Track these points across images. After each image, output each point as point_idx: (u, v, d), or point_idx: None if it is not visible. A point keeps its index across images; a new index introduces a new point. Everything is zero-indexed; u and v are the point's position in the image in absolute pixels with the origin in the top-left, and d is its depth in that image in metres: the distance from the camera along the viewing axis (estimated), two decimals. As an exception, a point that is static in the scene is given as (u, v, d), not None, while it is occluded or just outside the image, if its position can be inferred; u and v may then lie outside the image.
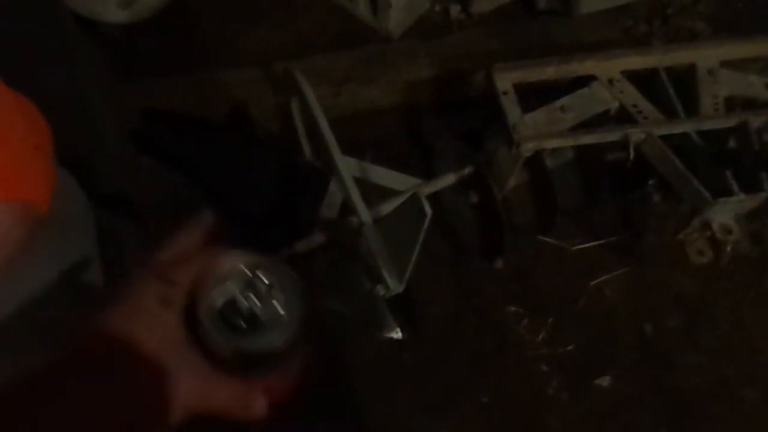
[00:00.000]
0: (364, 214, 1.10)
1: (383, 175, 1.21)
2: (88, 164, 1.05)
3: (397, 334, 1.33)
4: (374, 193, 1.24)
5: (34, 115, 0.87)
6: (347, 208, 1.16)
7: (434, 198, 1.20)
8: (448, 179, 1.22)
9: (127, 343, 0.36)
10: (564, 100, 1.33)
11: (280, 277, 0.39)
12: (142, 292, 0.38)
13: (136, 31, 1.59)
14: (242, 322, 0.38)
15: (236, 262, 0.39)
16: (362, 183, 1.16)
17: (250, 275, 0.39)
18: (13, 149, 0.71)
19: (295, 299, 0.39)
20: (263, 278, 0.39)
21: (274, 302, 0.38)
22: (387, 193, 1.21)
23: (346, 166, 1.13)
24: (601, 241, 1.50)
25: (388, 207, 1.15)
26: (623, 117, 1.34)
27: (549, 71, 1.36)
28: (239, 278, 0.38)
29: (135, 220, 1.17)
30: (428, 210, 0.90)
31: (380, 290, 1.11)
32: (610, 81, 1.36)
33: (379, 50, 1.63)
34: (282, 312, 0.38)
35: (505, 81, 1.31)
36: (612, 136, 1.26)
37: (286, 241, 1.18)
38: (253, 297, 0.38)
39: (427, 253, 1.11)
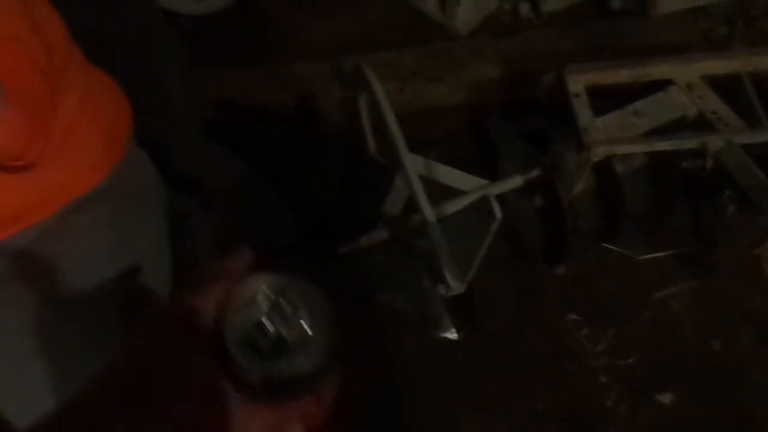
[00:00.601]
0: (429, 212, 1.09)
1: (448, 174, 1.20)
2: (164, 146, 1.09)
3: (453, 335, 1.33)
4: (438, 192, 1.23)
5: (120, 98, 0.90)
6: (411, 205, 1.16)
7: (498, 199, 1.18)
8: (515, 181, 1.20)
9: (156, 379, 0.35)
10: (638, 105, 1.28)
11: (307, 298, 0.38)
12: (168, 320, 0.37)
13: (210, 23, 1.63)
14: (269, 347, 0.36)
15: (260, 285, 0.37)
16: (427, 181, 1.15)
17: (275, 297, 0.37)
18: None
19: (323, 320, 0.37)
20: (289, 300, 0.37)
21: (302, 323, 0.37)
22: (451, 192, 1.20)
23: (412, 163, 1.13)
24: (670, 252, 1.45)
25: (452, 206, 1.14)
26: (701, 124, 1.28)
27: (623, 74, 1.31)
28: (264, 301, 0.37)
29: (204, 204, 1.20)
30: (498, 212, 0.89)
31: (441, 290, 1.11)
32: (689, 86, 1.30)
33: (446, 47, 1.62)
34: (310, 333, 0.37)
35: (577, 83, 1.27)
36: (689, 143, 1.21)
37: (349, 234, 1.18)
38: (279, 320, 0.37)
39: (489, 255, 1.09)
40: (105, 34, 0.93)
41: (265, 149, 1.36)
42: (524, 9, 1.70)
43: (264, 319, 0.37)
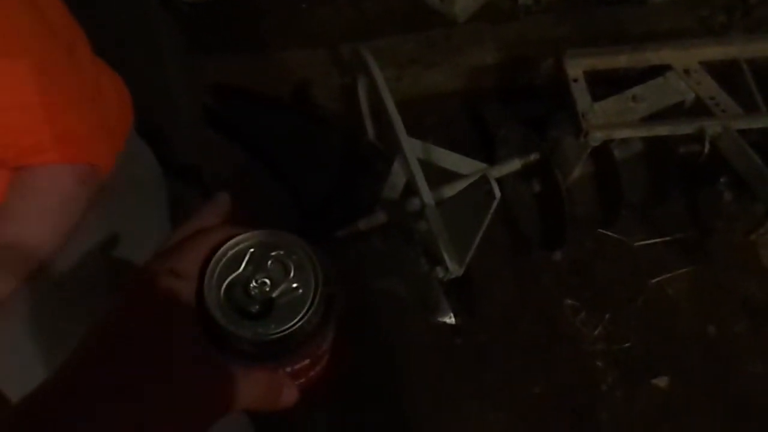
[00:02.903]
0: (427, 195, 1.09)
1: (447, 158, 1.20)
2: (164, 136, 1.08)
3: (450, 319, 1.33)
4: (437, 176, 1.23)
5: (122, 89, 0.90)
6: (410, 189, 1.16)
7: (496, 184, 1.19)
8: (514, 164, 1.20)
9: (134, 347, 0.32)
10: (636, 90, 1.29)
11: (293, 252, 0.35)
12: (144, 287, 0.33)
13: (209, 9, 1.62)
14: (256, 307, 0.33)
15: (243, 242, 0.34)
16: (425, 165, 1.15)
17: (259, 254, 0.34)
18: (82, 117, 0.75)
19: (312, 275, 0.34)
20: (274, 255, 0.34)
21: (289, 280, 0.34)
22: (450, 176, 1.20)
23: (411, 147, 1.13)
24: (666, 238, 1.46)
25: (451, 190, 1.15)
26: (699, 109, 1.29)
27: (622, 59, 1.31)
28: (247, 259, 0.34)
29: (203, 191, 1.20)
30: (497, 192, 0.89)
31: (439, 273, 1.11)
32: (686, 71, 1.30)
33: (444, 34, 1.62)
34: (300, 291, 0.34)
35: (575, 68, 1.27)
36: (687, 128, 1.21)
37: (347, 218, 1.18)
38: (264, 277, 0.34)
39: (486, 240, 1.10)
40: (104, 22, 0.93)
41: (263, 135, 1.36)
42: (523, -4, 1.70)
43: (249, 278, 0.34)
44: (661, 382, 1.33)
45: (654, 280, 1.43)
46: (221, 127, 1.40)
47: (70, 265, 0.76)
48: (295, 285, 0.34)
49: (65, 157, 0.71)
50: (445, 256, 1.05)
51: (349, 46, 1.51)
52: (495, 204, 0.89)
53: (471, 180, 1.01)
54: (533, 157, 1.22)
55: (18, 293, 0.72)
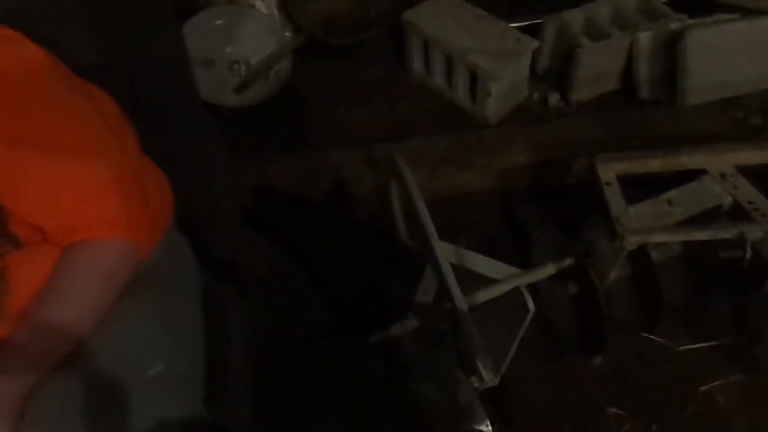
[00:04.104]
0: (460, 301, 1.08)
1: (480, 263, 1.20)
2: (202, 229, 1.12)
3: (487, 428, 1.27)
4: (470, 280, 1.23)
5: (164, 184, 0.95)
6: (442, 293, 1.15)
7: (531, 287, 1.17)
8: (548, 270, 1.19)
9: None
10: (672, 194, 1.28)
11: None
12: None
13: (250, 113, 1.72)
14: None
15: None
16: (458, 269, 1.15)
17: None
18: (136, 206, 0.79)
19: None
20: None
21: None
22: (483, 280, 1.19)
23: (443, 251, 1.13)
24: (712, 343, 1.39)
25: (484, 295, 1.13)
26: (737, 213, 1.27)
27: (655, 163, 1.32)
28: None
29: (237, 288, 1.22)
30: (531, 306, 0.88)
31: (474, 381, 1.08)
32: (722, 175, 1.30)
33: (476, 135, 1.67)
34: None
35: (608, 172, 1.28)
36: (726, 233, 1.19)
37: (380, 322, 1.18)
38: None
39: (522, 344, 1.07)
40: (150, 123, 0.99)
41: (298, 234, 1.38)
42: (553, 99, 1.75)
43: None
44: (717, 503, 1.22)
45: (703, 388, 1.35)
46: (258, 226, 1.44)
47: (117, 364, 0.77)
48: None
49: (110, 233, 0.74)
50: (479, 366, 1.03)
51: (384, 146, 1.57)
52: (530, 317, 0.88)
53: (505, 288, 1.00)
54: (568, 261, 1.21)
55: (65, 395, 0.72)
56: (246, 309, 1.27)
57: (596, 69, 1.70)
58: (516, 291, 0.93)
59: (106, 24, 1.01)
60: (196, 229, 1.06)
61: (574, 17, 1.73)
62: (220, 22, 1.67)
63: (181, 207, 0.97)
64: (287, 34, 1.77)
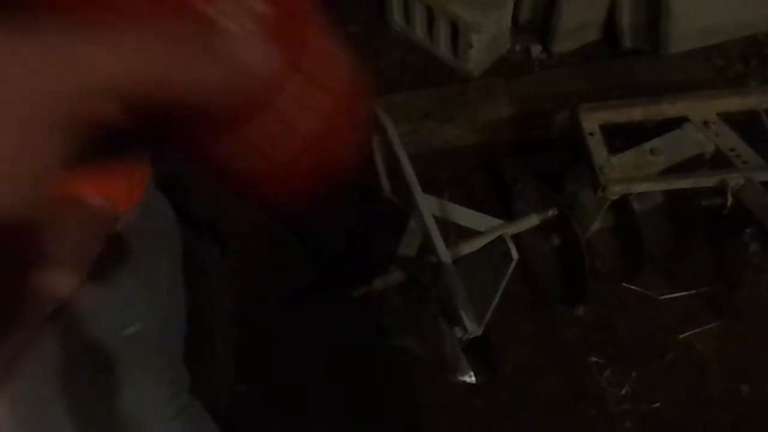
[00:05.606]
0: (444, 253, 1.08)
1: (463, 215, 1.19)
2: (182, 188, 1.09)
3: (470, 378, 1.29)
4: (453, 233, 1.22)
5: None
6: (426, 246, 1.15)
7: (514, 239, 1.17)
8: (532, 221, 1.19)
9: None
10: (654, 143, 1.27)
11: None
12: None
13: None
14: None
15: None
16: (441, 222, 1.14)
17: None
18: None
19: None
20: None
21: None
22: (467, 233, 1.19)
23: (427, 204, 1.12)
24: (692, 292, 1.41)
25: (468, 247, 1.13)
26: (719, 161, 1.27)
27: (637, 112, 1.31)
28: None
29: (219, 248, 1.20)
30: (515, 254, 0.87)
31: (457, 332, 1.08)
32: (705, 123, 1.29)
33: (458, 89, 1.64)
34: None
35: (591, 122, 1.27)
36: (708, 181, 1.19)
37: (363, 277, 1.17)
38: None
39: (505, 296, 1.07)
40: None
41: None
42: (536, 50, 1.72)
43: None
44: (694, 445, 1.26)
45: (682, 336, 1.38)
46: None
47: (93, 324, 0.76)
48: None
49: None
50: (463, 316, 1.03)
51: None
52: (513, 265, 0.87)
53: (488, 239, 0.99)
54: (551, 212, 1.20)
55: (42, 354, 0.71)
56: (228, 268, 1.25)
57: (578, 19, 1.67)
58: (499, 241, 0.93)
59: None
60: (176, 187, 1.04)
61: (557, -35, 1.69)
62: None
63: (159, 165, 0.94)
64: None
